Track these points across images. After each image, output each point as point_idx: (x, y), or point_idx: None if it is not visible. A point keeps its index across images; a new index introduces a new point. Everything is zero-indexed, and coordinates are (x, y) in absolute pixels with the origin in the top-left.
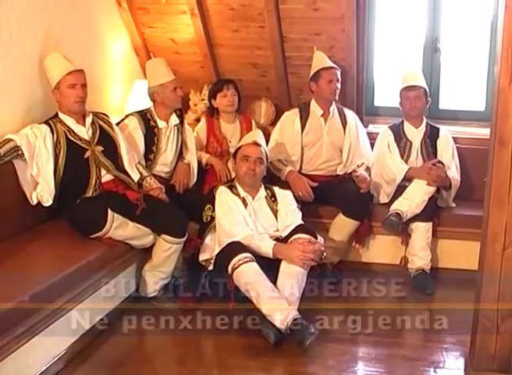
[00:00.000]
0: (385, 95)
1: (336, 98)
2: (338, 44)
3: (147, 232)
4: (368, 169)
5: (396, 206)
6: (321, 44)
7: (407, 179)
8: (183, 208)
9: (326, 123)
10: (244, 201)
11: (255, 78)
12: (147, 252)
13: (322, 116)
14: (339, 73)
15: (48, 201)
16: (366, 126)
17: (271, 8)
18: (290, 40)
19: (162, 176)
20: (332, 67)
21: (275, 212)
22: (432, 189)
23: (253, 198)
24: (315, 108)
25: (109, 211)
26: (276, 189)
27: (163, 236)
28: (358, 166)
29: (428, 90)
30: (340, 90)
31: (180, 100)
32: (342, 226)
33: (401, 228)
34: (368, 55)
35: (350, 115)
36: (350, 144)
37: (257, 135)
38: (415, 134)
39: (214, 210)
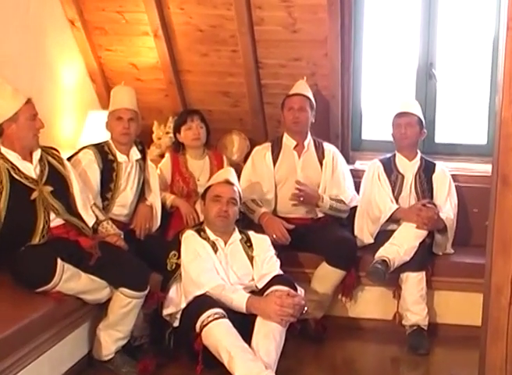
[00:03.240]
0: (375, 128)
1: (307, 129)
2: (320, 70)
3: (103, 285)
4: (340, 201)
5: (382, 253)
6: (301, 70)
7: (395, 220)
8: (145, 257)
9: (300, 157)
10: (214, 245)
11: (227, 108)
12: (102, 308)
13: (296, 149)
14: (307, 101)
15: None
16: (352, 163)
17: (244, 30)
18: (266, 66)
19: (121, 219)
20: (296, 94)
21: (250, 259)
22: (423, 233)
23: (225, 243)
24: (287, 140)
25: (59, 260)
26: (252, 234)
27: (121, 289)
28: (331, 197)
29: (422, 120)
30: (323, 122)
31: (127, 134)
32: (326, 276)
33: (387, 277)
34: (355, 83)
35: (330, 149)
36: (326, 182)
37: (229, 173)
38: (408, 167)
39: (180, 257)
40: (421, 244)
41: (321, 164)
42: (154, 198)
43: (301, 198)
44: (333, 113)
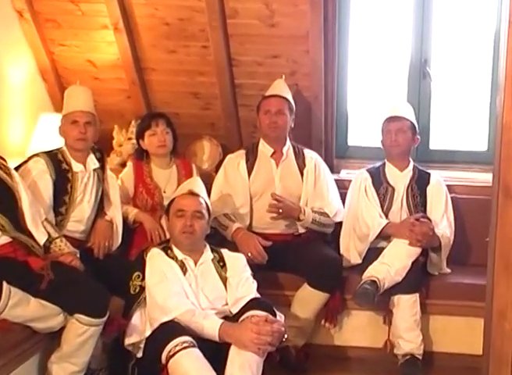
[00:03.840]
0: (362, 133)
1: (285, 134)
2: (301, 69)
3: (56, 311)
4: (323, 214)
5: (371, 272)
6: (279, 68)
7: (385, 237)
8: (104, 279)
9: (278, 166)
10: (183, 265)
11: (196, 111)
12: (54, 338)
13: (273, 157)
14: (286, 103)
15: None
16: (337, 172)
17: (216, 23)
18: (241, 63)
19: (76, 236)
20: (274, 96)
21: (223, 281)
22: (416, 251)
23: (195, 263)
24: (264, 147)
25: (4, 284)
26: (225, 252)
27: (77, 316)
28: (313, 210)
29: (415, 125)
30: (304, 126)
31: (83, 139)
32: (307, 299)
33: (377, 300)
34: (340, 83)
35: (312, 156)
36: (308, 193)
37: (195, 183)
38: (399, 179)
39: (144, 279)
40: (414, 263)
41: (301, 173)
42: (115, 212)
43: (280, 210)
44: (316, 116)
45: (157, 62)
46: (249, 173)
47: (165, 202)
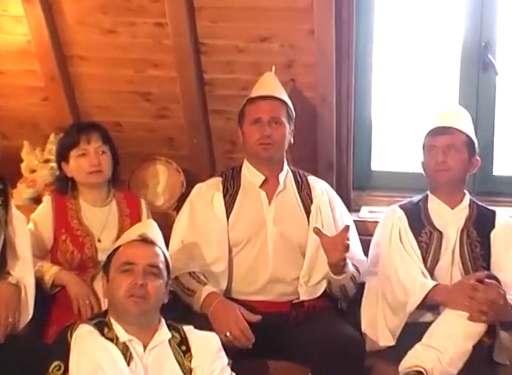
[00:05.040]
0: (392, 152)
1: (282, 154)
2: (302, 57)
3: None
4: (357, 268)
5: (413, 361)
6: (270, 57)
7: (430, 307)
8: (6, 371)
9: (272, 201)
10: (127, 350)
11: (147, 121)
12: None
13: (264, 188)
14: (283, 107)
15: None
16: (356, 210)
17: None
18: (213, 49)
19: None
20: (264, 97)
21: (187, 373)
22: (479, 328)
23: (144, 347)
24: (250, 174)
25: None
26: (189, 330)
27: None
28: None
29: (474, 140)
30: (306, 142)
31: None
32: None
33: None
34: (359, 79)
35: (320, 187)
36: (316, 241)
37: (148, 226)
38: (449, 219)
39: (67, 370)
40: (475, 346)
41: (307, 213)
42: (24, 272)
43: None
44: (323, 127)
45: (88, 47)
46: (228, 212)
47: (100, 256)
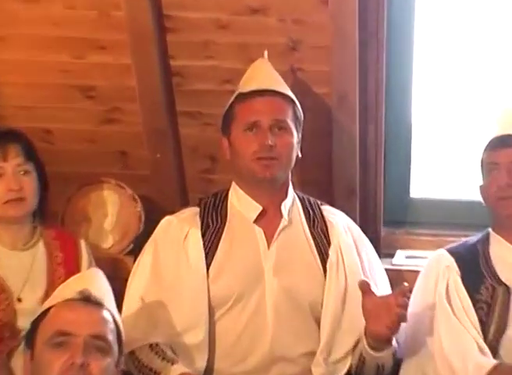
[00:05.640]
0: (439, 174)
1: (287, 174)
2: (310, 37)
3: None
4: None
5: None
6: (264, 36)
7: None
8: None
9: (272, 242)
10: None
11: (89, 127)
12: None
13: (261, 223)
14: (288, 106)
15: None
16: (388, 255)
17: None
18: (184, 24)
19: None
20: (261, 92)
21: None
22: None
23: None
24: (240, 203)
25: None
26: None
27: None
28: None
29: None
30: (316, 156)
31: None
32: None
33: None
34: (392, 71)
35: (340, 222)
36: (336, 301)
37: (92, 279)
38: None
39: None
40: None
41: (322, 258)
42: None
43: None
44: (342, 138)
45: (2, 21)
46: (208, 258)
47: (22, 322)
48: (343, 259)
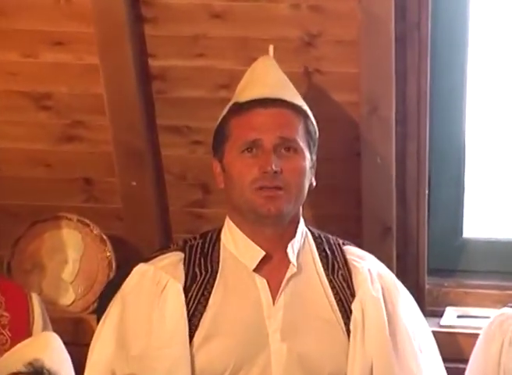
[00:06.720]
0: (500, 211)
1: (298, 208)
2: (331, 28)
3: None
4: None
5: None
6: (271, 27)
7: None
8: None
9: (278, 295)
10: None
11: (45, 146)
12: None
13: (263, 272)
14: (299, 120)
15: None
16: (434, 313)
17: None
18: (165, 14)
19: None
20: (263, 102)
21: None
22: None
23: None
24: (237, 245)
25: None
26: None
27: None
28: None
29: None
30: (341, 186)
31: None
32: None
33: None
34: (439, 77)
35: (368, 267)
36: (364, 368)
37: (46, 346)
38: None
39: None
40: None
41: (344, 315)
42: None
43: None
44: (373, 162)
45: None
46: (193, 319)
47: None
48: (369, 321)
